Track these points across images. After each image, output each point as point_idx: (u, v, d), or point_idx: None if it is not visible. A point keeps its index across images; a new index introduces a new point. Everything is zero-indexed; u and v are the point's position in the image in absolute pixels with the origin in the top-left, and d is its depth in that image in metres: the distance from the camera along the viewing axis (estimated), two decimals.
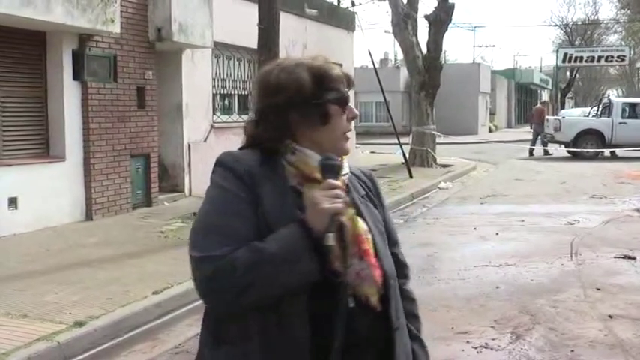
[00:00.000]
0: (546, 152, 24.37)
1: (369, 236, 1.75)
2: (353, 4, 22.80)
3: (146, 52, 11.02)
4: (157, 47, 11.26)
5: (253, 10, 9.91)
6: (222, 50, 13.48)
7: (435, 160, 19.12)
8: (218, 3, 12.09)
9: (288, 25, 14.01)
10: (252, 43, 9.94)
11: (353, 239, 1.71)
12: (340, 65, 1.87)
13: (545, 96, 66.75)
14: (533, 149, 24.52)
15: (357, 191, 1.87)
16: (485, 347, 5.16)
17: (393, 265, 1.86)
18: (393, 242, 1.95)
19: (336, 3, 22.08)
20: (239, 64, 14.34)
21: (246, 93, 14.57)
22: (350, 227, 1.71)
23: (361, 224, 1.74)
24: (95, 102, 9.99)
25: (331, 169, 1.72)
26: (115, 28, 9.69)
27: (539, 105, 32.23)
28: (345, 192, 1.72)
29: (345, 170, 1.82)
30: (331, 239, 1.62)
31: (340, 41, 19.01)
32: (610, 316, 5.86)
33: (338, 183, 1.69)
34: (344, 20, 20.02)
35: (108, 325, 5.41)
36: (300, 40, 15.93)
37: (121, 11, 10.00)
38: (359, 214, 1.79)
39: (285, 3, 12.82)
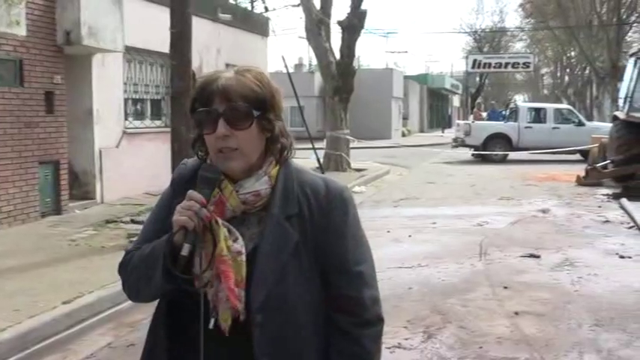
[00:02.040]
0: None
1: (241, 258, 1.70)
2: (266, 9, 22.86)
3: (54, 55, 10.72)
4: (66, 51, 10.98)
5: (165, 14, 9.78)
6: (134, 55, 13.26)
7: (349, 164, 19.34)
8: (129, 7, 11.88)
9: (202, 29, 13.92)
10: (165, 47, 9.81)
11: (215, 259, 1.69)
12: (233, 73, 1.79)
13: (456, 101, 68.56)
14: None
15: (284, 208, 1.76)
16: (398, 347, 5.26)
17: (276, 298, 1.71)
18: (335, 271, 1.80)
19: (249, 8, 22.08)
20: (151, 68, 14.13)
21: (159, 98, 14.37)
22: (209, 246, 1.70)
23: (225, 244, 1.69)
24: (0, 107, 9.66)
25: (203, 181, 1.72)
26: (21, 31, 9.39)
27: (475, 108, 33.28)
28: (218, 204, 1.72)
29: (249, 185, 1.76)
30: (185, 250, 1.64)
31: (254, 46, 19.00)
32: (516, 313, 6.08)
33: (196, 195, 1.68)
34: (258, 25, 20.03)
35: (15, 338, 5.23)
36: (214, 45, 15.84)
37: (27, 13, 9.69)
38: (262, 233, 1.75)
39: (199, 7, 12.72)
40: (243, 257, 1.70)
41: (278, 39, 70.92)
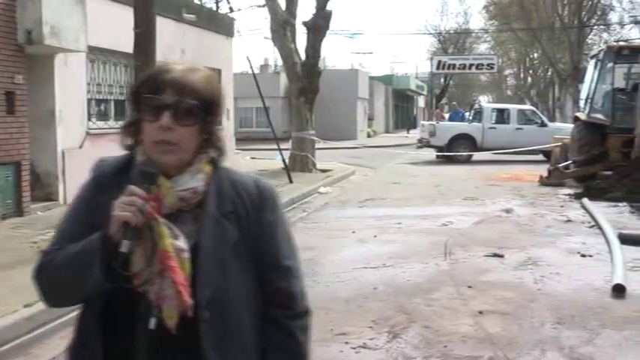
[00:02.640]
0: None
1: (185, 255, 1.69)
2: (231, 9, 22.78)
3: (15, 55, 10.55)
4: (28, 50, 10.80)
5: (129, 14, 9.71)
6: (97, 55, 13.12)
7: (314, 165, 19.35)
8: (93, 6, 11.75)
9: (166, 29, 13.83)
10: (129, 47, 9.74)
11: (158, 255, 1.67)
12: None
13: (421, 102, 69.00)
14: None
15: (219, 206, 1.78)
16: (364, 347, 5.28)
17: (221, 294, 1.74)
18: (268, 266, 1.84)
19: (214, 8, 21.98)
20: (115, 68, 13.99)
21: (123, 99, 14.23)
22: (153, 242, 1.68)
23: (169, 241, 1.68)
24: None
25: (143, 176, 1.70)
26: None
27: (437, 109, 33.56)
28: (155, 201, 1.69)
29: (185, 181, 1.75)
30: (125, 246, 1.61)
31: (219, 47, 18.93)
32: (480, 312, 6.14)
33: (138, 190, 1.66)
34: (223, 26, 19.96)
35: None
36: (179, 45, 15.74)
37: None
38: (200, 230, 1.75)
39: (163, 7, 12.65)
40: (187, 254, 1.70)
41: (243, 39, 70.78)
